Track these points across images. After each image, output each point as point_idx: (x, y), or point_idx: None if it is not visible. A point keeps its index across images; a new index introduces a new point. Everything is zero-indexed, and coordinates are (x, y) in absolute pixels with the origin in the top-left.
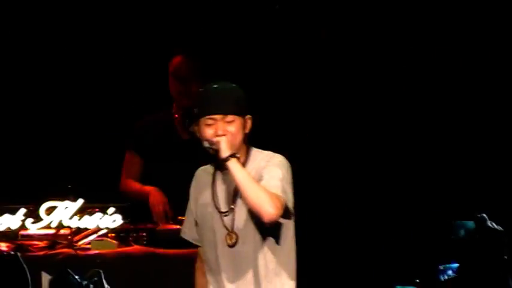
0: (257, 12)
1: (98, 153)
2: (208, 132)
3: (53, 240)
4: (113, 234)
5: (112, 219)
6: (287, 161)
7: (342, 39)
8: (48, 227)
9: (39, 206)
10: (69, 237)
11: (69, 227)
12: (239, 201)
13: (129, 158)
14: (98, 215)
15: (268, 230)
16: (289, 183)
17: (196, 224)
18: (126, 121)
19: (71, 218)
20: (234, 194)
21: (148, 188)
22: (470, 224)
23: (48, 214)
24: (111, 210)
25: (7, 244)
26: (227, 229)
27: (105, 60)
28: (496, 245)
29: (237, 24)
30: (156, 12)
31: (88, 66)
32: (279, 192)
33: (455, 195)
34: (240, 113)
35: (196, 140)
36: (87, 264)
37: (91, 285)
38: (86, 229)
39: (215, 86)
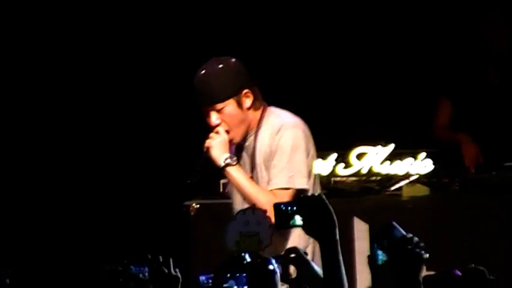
0: None
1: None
2: (207, 121)
3: (364, 185)
4: (424, 180)
5: (423, 165)
6: (297, 128)
7: None
8: (359, 172)
9: (351, 152)
10: (380, 182)
11: (379, 173)
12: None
13: (441, 103)
14: (409, 160)
15: None
16: (297, 155)
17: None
18: None
19: (381, 163)
20: None
21: (460, 135)
22: None
23: (359, 160)
24: (422, 155)
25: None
26: None
27: None
28: None
29: None
30: None
31: None
32: (284, 184)
33: None
34: (229, 96)
35: (509, 87)
36: (399, 209)
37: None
38: (397, 175)
39: (202, 72)
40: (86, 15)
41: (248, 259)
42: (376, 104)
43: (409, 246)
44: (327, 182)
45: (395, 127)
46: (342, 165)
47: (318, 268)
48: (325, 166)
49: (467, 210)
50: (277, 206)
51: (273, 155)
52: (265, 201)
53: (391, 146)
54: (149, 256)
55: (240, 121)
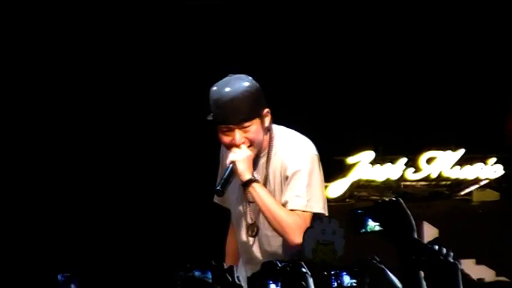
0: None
1: None
2: (225, 139)
3: (434, 190)
4: (494, 185)
5: (493, 170)
6: (311, 151)
7: None
8: (428, 177)
9: (420, 156)
10: (449, 187)
11: (449, 178)
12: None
13: None
14: (479, 165)
15: None
16: (314, 179)
17: None
18: None
19: (451, 168)
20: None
21: None
22: None
23: (429, 164)
24: (493, 160)
25: (390, 193)
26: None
27: None
28: None
29: None
30: None
31: None
32: (303, 207)
33: None
34: (256, 115)
35: None
36: (468, 214)
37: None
38: (467, 180)
39: (227, 89)
40: (91, 18)
41: (280, 265)
42: (446, 108)
43: (441, 257)
44: (396, 186)
45: (466, 131)
46: (412, 169)
47: (393, 276)
48: (394, 170)
49: None
50: (354, 212)
51: (289, 179)
52: (291, 220)
53: (461, 151)
54: (213, 262)
55: (261, 140)
